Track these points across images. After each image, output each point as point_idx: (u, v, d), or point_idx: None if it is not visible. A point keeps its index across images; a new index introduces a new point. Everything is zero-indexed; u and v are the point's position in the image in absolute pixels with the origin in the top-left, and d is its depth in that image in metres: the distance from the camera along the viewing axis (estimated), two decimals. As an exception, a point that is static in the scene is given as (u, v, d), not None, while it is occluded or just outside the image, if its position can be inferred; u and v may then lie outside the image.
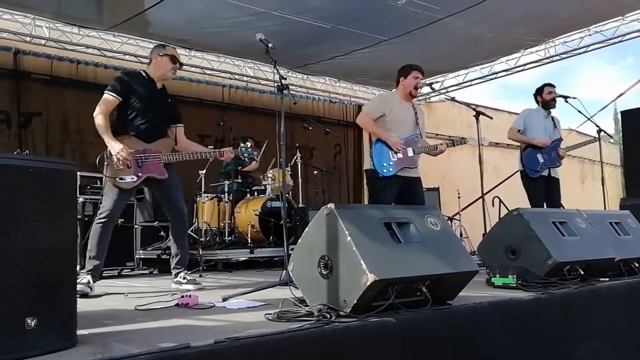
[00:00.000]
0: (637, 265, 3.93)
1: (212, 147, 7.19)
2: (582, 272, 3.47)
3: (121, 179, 3.65)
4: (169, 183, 3.92)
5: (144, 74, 3.97)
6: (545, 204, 5.73)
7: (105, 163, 3.67)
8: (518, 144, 6.11)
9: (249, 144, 4.33)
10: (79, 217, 4.95)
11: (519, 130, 5.85)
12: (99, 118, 3.70)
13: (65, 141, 7.18)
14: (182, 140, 4.10)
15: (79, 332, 1.98)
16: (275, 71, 3.84)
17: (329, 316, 2.25)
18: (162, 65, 3.95)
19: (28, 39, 6.90)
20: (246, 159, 4.44)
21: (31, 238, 1.80)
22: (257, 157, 4.35)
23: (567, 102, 5.89)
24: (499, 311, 2.73)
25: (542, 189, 5.75)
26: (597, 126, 6.03)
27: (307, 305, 2.50)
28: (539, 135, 5.80)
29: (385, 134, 4.57)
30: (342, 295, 2.34)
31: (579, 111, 5.90)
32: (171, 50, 4.03)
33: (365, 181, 9.72)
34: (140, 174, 3.71)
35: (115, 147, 3.63)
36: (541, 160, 5.72)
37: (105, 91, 3.80)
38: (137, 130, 3.79)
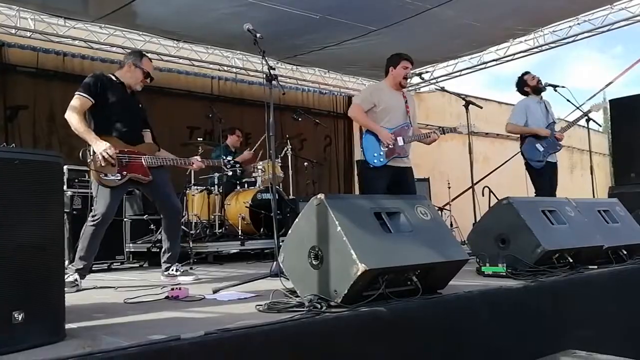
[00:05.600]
0: (625, 252, 3.96)
1: (200, 139, 7.21)
2: (571, 260, 3.49)
3: (105, 175, 3.62)
4: (159, 181, 3.89)
5: (114, 77, 3.87)
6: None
7: (89, 160, 3.62)
8: (508, 134, 6.11)
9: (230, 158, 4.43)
10: (67, 210, 4.91)
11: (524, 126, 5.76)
12: (75, 119, 3.61)
13: (52, 134, 7.10)
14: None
15: (68, 325, 1.97)
16: (264, 62, 3.81)
17: (319, 306, 2.25)
18: (133, 76, 3.89)
19: (13, 31, 6.82)
20: (228, 171, 4.52)
21: (17, 231, 1.77)
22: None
23: (556, 91, 5.88)
24: (489, 300, 2.75)
25: (547, 178, 5.70)
26: (586, 114, 6.03)
27: (297, 296, 2.50)
28: (538, 122, 5.74)
29: (375, 126, 4.55)
30: (333, 286, 2.33)
31: (568, 100, 5.91)
32: (147, 65, 3.95)
33: (356, 172, 9.74)
34: (125, 173, 3.69)
35: (100, 145, 3.56)
36: (541, 149, 5.66)
37: (77, 92, 3.69)
38: (118, 131, 3.76)
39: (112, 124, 3.76)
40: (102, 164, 3.57)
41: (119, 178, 3.65)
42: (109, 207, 3.63)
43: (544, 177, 5.69)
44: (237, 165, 4.16)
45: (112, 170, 3.62)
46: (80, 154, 3.65)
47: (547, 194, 5.54)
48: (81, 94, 3.68)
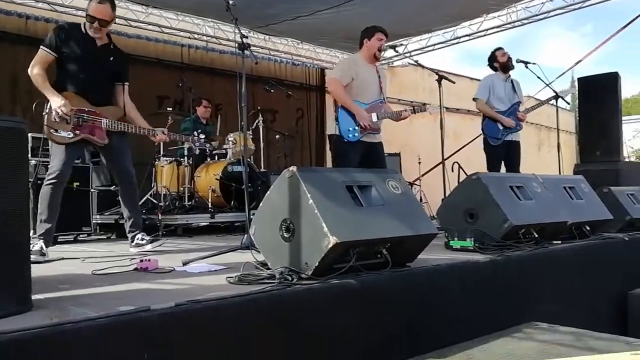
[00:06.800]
0: (588, 228, 4.07)
1: (170, 109, 7.06)
2: (537, 235, 3.57)
3: (55, 130, 3.57)
4: (115, 145, 3.81)
5: (82, 29, 3.72)
6: (505, 168, 5.86)
7: (44, 113, 3.58)
8: (478, 110, 6.18)
9: (202, 136, 4.31)
10: (31, 180, 4.77)
11: (486, 102, 5.90)
12: (34, 71, 3.55)
13: (15, 101, 6.86)
14: (126, 99, 3.91)
15: (34, 296, 1.93)
16: (236, 30, 3.73)
17: (290, 279, 2.26)
18: (86, 24, 3.71)
19: (-28, -9, 6.52)
20: (196, 149, 4.34)
21: (-21, 200, 1.71)
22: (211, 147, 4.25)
23: (527, 67, 5.96)
24: (456, 273, 2.80)
25: (503, 154, 5.85)
26: (555, 92, 6.15)
27: (269, 269, 2.50)
28: (500, 99, 5.88)
29: (354, 106, 4.52)
30: (304, 258, 2.34)
31: (538, 77, 5.99)
32: (92, 8, 3.64)
33: (328, 146, 9.74)
34: (78, 132, 3.62)
35: (56, 101, 3.52)
36: (501, 127, 5.81)
37: (41, 45, 3.63)
38: (80, 88, 3.66)
39: (74, 80, 3.66)
40: (57, 120, 3.53)
41: (71, 136, 3.59)
42: (63, 165, 3.58)
43: (497, 154, 5.83)
44: (207, 145, 4.06)
45: (65, 127, 3.57)
46: (34, 107, 3.59)
47: (498, 170, 5.69)
48: (42, 47, 3.62)
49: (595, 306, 3.65)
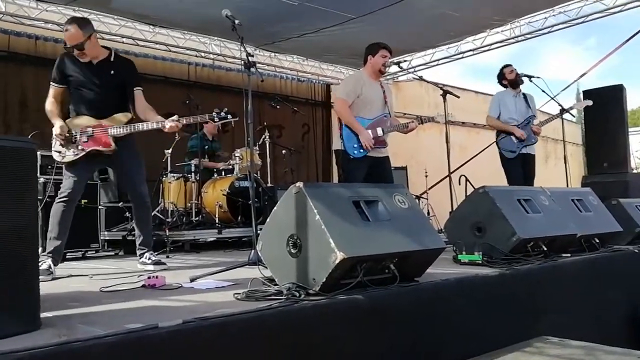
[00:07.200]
0: (597, 241, 4.04)
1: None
2: (545, 248, 3.55)
3: (62, 153, 3.71)
4: (127, 163, 3.84)
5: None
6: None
7: (52, 141, 3.73)
8: (485, 123, 6.21)
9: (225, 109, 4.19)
10: (40, 197, 4.81)
11: (498, 118, 5.96)
12: (46, 108, 3.76)
13: (24, 120, 6.93)
14: (139, 104, 3.92)
15: (43, 314, 1.94)
16: (242, 48, 3.77)
17: (297, 295, 2.25)
18: None
19: (-18, 13, 6.62)
20: (219, 122, 4.13)
21: (-11, 219, 1.73)
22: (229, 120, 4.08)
23: (531, 81, 6.01)
24: (465, 287, 2.78)
25: (520, 168, 5.85)
26: (560, 105, 6.16)
27: (276, 284, 2.50)
28: (511, 114, 5.91)
29: (359, 126, 4.53)
30: (311, 274, 2.34)
31: (543, 90, 6.02)
32: (64, 37, 3.71)
33: (334, 161, 9.76)
34: (82, 148, 3.70)
35: (55, 126, 3.69)
36: (516, 140, 5.84)
37: (50, 81, 3.80)
38: (85, 108, 3.77)
39: (81, 102, 3.78)
40: (61, 143, 3.68)
41: (76, 153, 3.70)
42: (75, 183, 3.68)
43: (515, 167, 5.83)
44: (229, 116, 3.92)
45: (71, 146, 3.70)
46: (29, 137, 3.66)
47: (519, 184, 5.65)
48: (51, 82, 3.80)
49: (606, 319, 3.61)
